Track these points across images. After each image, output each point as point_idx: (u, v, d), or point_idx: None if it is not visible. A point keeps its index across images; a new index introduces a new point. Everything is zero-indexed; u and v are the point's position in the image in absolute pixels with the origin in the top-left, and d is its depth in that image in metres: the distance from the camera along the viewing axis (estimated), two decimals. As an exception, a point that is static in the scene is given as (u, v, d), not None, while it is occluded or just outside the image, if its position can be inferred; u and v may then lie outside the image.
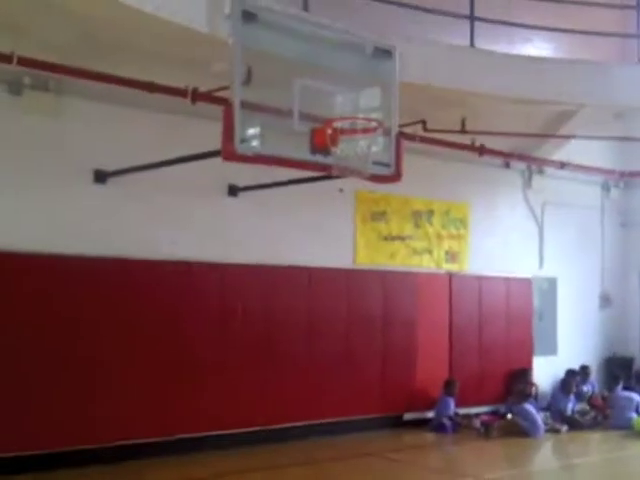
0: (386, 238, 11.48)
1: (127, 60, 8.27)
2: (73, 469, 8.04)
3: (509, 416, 11.17)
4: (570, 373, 12.56)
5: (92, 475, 8.00)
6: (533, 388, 12.19)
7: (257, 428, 9.64)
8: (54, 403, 8.14)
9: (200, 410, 9.11)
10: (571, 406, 11.90)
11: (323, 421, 10.33)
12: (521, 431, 10.81)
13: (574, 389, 12.15)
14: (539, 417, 11.10)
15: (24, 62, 7.72)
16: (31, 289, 8.12)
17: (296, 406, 9.95)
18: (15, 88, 8.18)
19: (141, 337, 8.77)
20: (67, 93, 8.48)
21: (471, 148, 11.61)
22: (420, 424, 11.20)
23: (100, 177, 8.73)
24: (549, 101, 10.55)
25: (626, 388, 12.28)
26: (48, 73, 8.07)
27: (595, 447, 10.94)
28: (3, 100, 8.16)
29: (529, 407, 11.13)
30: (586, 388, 12.75)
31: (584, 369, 12.99)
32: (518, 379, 12.18)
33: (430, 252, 12.02)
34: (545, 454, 10.83)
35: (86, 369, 8.38)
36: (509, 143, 12.16)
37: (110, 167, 8.68)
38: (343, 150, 6.85)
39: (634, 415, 11.44)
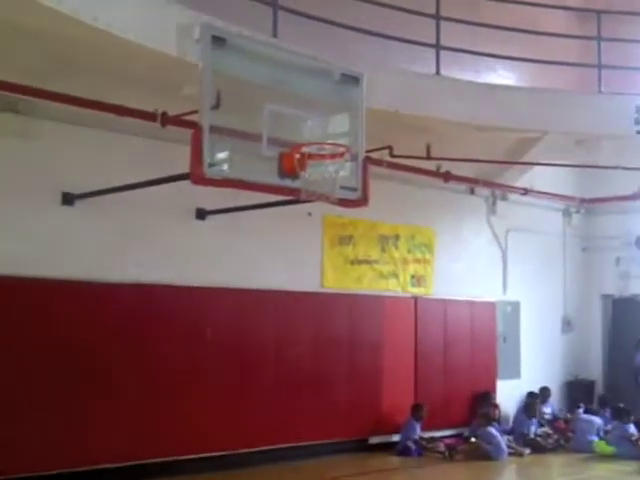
0: (353, 262, 11.57)
1: (96, 82, 8.29)
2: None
3: (473, 439, 11.26)
4: (532, 395, 12.71)
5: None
6: (497, 411, 12.31)
7: (221, 453, 9.59)
8: (35, 425, 8.07)
9: (164, 434, 9.04)
10: (534, 429, 12.02)
11: (289, 445, 10.31)
12: (484, 454, 10.90)
13: (537, 412, 12.28)
14: (503, 440, 11.20)
15: (-7, 84, 7.71)
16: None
17: (262, 430, 9.93)
18: (-16, 110, 8.16)
19: (106, 361, 8.69)
20: (37, 115, 8.46)
21: (437, 174, 11.78)
22: (385, 448, 11.24)
23: (68, 199, 8.70)
24: (513, 128, 10.75)
25: (587, 411, 12.46)
26: (17, 95, 8.05)
27: (558, 470, 11.04)
28: (-29, 121, 8.12)
29: (493, 430, 11.24)
30: (546, 409, 12.88)
31: (543, 390, 13.14)
32: (482, 402, 12.29)
33: (396, 276, 12.13)
34: (508, 477, 10.92)
35: (50, 390, 8.30)
36: (474, 169, 12.35)
37: (78, 189, 8.66)
38: (311, 175, 6.94)
39: (595, 438, 11.59)
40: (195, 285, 9.50)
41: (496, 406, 12.48)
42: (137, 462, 8.85)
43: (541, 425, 12.27)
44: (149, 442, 8.92)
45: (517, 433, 11.92)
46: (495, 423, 11.66)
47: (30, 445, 8.05)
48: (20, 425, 8.05)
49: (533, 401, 12.48)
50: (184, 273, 9.47)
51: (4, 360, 8.03)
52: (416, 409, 11.32)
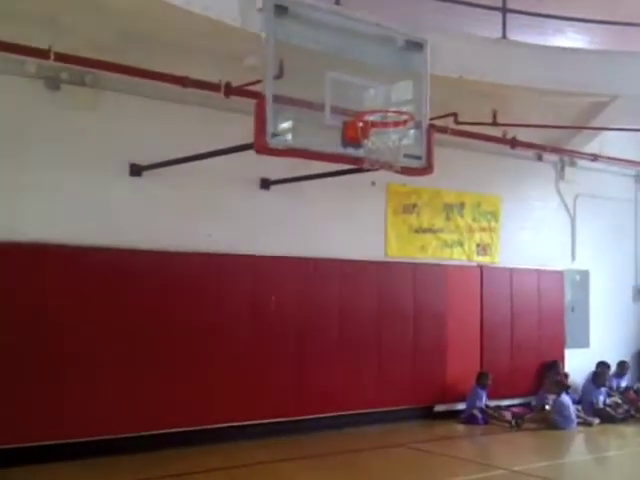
0: (417, 231, 11.51)
1: (161, 55, 8.41)
2: (94, 459, 8.20)
3: (547, 407, 11.10)
4: (601, 365, 12.50)
5: (116, 465, 8.13)
6: (567, 379, 12.16)
7: (289, 419, 9.75)
8: (55, 395, 8.19)
9: (229, 400, 9.23)
10: (602, 399, 11.84)
11: (355, 412, 10.41)
12: (552, 424, 10.80)
13: (606, 382, 12.09)
14: (574, 410, 11.06)
15: (61, 58, 7.88)
16: (66, 281, 8.27)
17: (329, 397, 10.04)
18: (53, 83, 8.34)
19: (176, 328, 8.89)
20: (104, 88, 8.64)
21: (503, 141, 11.58)
22: (451, 416, 11.24)
23: (136, 170, 8.87)
24: (582, 92, 10.50)
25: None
26: (85, 68, 8.22)
27: (627, 440, 10.88)
28: (41, 95, 8.32)
29: (567, 400, 11.06)
30: (622, 383, 12.66)
31: (621, 364, 12.86)
32: (549, 371, 12.16)
33: (461, 245, 12.03)
34: (576, 447, 10.80)
35: (111, 359, 8.53)
36: (541, 135, 12.11)
37: (145, 160, 8.82)
38: (374, 143, 6.90)
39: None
40: (260, 254, 9.59)
41: (565, 375, 12.33)
42: (205, 427, 9.08)
43: (610, 395, 12.07)
44: (221, 406, 9.13)
45: (586, 402, 11.76)
46: (567, 392, 11.47)
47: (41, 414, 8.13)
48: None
49: (602, 370, 12.27)
50: (250, 242, 9.58)
51: (77, 328, 8.29)
52: (481, 377, 11.28)
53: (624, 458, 9.85)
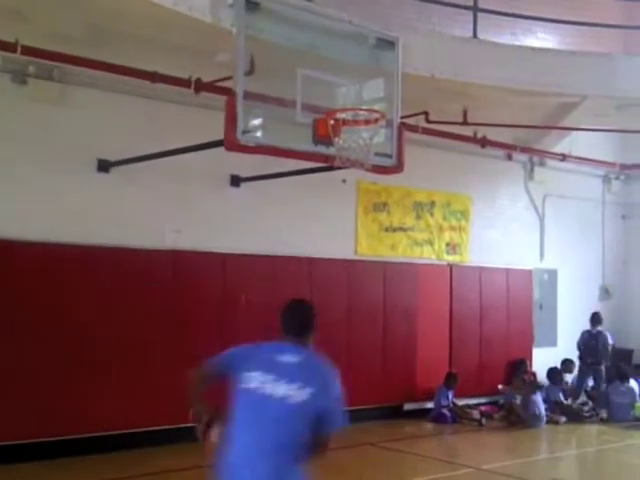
0: (387, 229, 11.51)
1: (131, 50, 8.31)
2: (79, 457, 8.13)
3: (517, 402, 11.17)
4: (564, 363, 12.57)
5: (99, 463, 8.08)
6: (535, 378, 12.24)
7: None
8: (50, 393, 8.13)
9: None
10: (561, 396, 11.91)
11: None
12: (522, 422, 10.87)
13: (561, 380, 12.16)
14: (544, 409, 11.15)
15: (28, 51, 7.77)
16: (31, 277, 8.14)
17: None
18: (20, 77, 8.19)
19: (142, 326, 8.79)
20: (72, 82, 8.50)
21: (473, 140, 11.64)
22: (420, 414, 11.26)
23: (103, 166, 8.76)
24: (551, 93, 10.55)
25: (626, 379, 12.26)
26: (53, 62, 8.09)
27: (593, 438, 10.99)
28: (8, 89, 8.17)
29: (538, 399, 11.14)
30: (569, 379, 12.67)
31: (565, 362, 12.78)
32: (517, 370, 12.23)
33: (431, 243, 12.06)
34: (543, 445, 10.89)
35: (87, 358, 8.42)
36: (511, 135, 12.19)
37: (113, 156, 8.71)
38: (345, 141, 6.88)
39: (633, 406, 11.47)
40: (230, 252, 9.52)
41: (533, 374, 12.42)
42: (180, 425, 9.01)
43: (565, 393, 12.11)
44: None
45: (550, 401, 11.84)
46: (537, 390, 11.56)
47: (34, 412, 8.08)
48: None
49: (554, 369, 12.32)
50: (219, 239, 9.50)
51: (40, 325, 8.17)
52: (448, 377, 11.31)
53: (590, 455, 9.95)
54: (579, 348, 12.28)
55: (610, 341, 12.28)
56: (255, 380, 3.68)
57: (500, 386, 12.04)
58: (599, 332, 12.25)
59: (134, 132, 8.86)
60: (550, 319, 13.51)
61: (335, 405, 3.78)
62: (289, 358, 3.81)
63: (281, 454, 3.50)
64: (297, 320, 4.13)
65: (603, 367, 12.17)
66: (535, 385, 11.41)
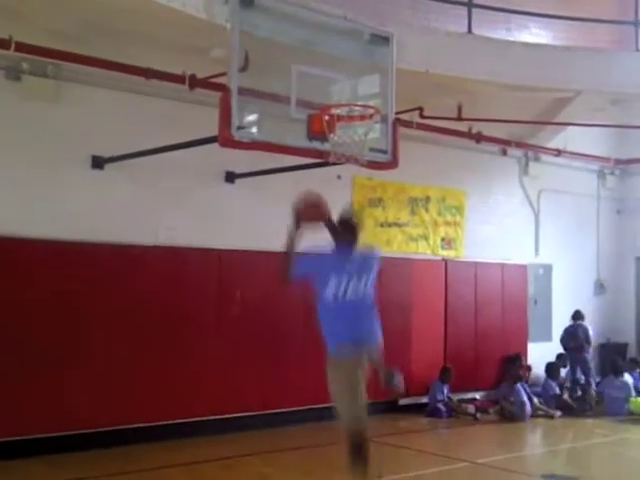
0: (382, 224, 11.52)
1: (126, 46, 8.30)
2: (72, 453, 8.12)
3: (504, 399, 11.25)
4: (558, 358, 12.61)
5: (92, 459, 8.07)
6: (527, 373, 12.28)
7: (256, 413, 9.71)
8: (48, 387, 8.16)
9: (196, 395, 9.17)
10: (558, 391, 11.95)
11: (320, 406, 10.38)
12: (509, 414, 10.93)
13: (558, 374, 12.21)
14: (527, 401, 11.18)
15: (22, 48, 7.75)
16: (26, 275, 8.13)
17: (294, 391, 10.01)
18: (13, 74, 8.17)
19: (138, 323, 8.79)
20: (66, 79, 8.48)
21: (468, 135, 11.66)
22: (415, 409, 11.28)
23: (98, 163, 8.75)
24: (546, 88, 10.57)
25: (620, 373, 12.30)
26: (47, 59, 8.08)
27: (588, 432, 11.01)
28: (1, 86, 8.15)
29: (519, 389, 11.21)
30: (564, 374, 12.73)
31: (559, 356, 12.88)
32: (512, 364, 12.25)
33: (426, 239, 12.08)
34: (538, 439, 10.94)
35: (83, 354, 8.42)
36: (506, 130, 12.20)
37: (108, 153, 8.70)
38: (340, 137, 6.89)
39: (628, 400, 11.51)
40: (225, 248, 9.52)
41: (528, 368, 12.46)
42: (171, 422, 9.01)
43: (561, 388, 12.15)
44: (181, 402, 9.06)
45: (546, 395, 11.88)
46: (523, 383, 11.60)
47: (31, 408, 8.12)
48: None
49: (555, 363, 12.38)
50: (214, 236, 9.50)
51: (35, 321, 8.17)
52: (443, 372, 11.34)
53: (585, 449, 9.98)
54: (562, 341, 12.45)
55: (591, 332, 12.52)
56: (332, 282, 5.23)
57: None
58: (579, 324, 12.50)
59: (129, 129, 8.85)
60: (545, 314, 13.54)
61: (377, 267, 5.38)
62: (351, 259, 5.23)
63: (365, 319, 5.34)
64: (351, 230, 5.38)
65: (587, 356, 12.37)
66: (516, 377, 11.43)
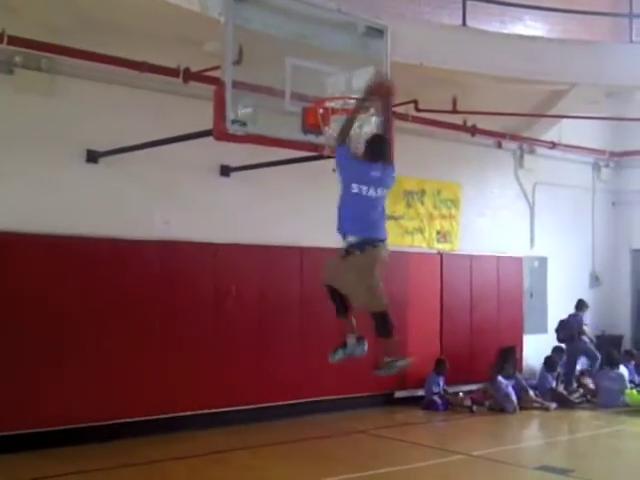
0: (378, 218, 11.49)
1: (119, 39, 8.27)
2: (60, 448, 8.12)
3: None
4: (555, 351, 12.64)
5: (85, 453, 8.08)
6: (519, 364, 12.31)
7: (249, 406, 9.71)
8: (40, 382, 8.16)
9: (192, 389, 9.17)
10: (554, 383, 11.98)
11: (315, 399, 10.41)
12: (498, 405, 11.02)
13: (556, 367, 12.23)
14: (512, 391, 11.22)
15: (15, 41, 7.73)
16: (19, 268, 8.12)
17: (288, 385, 10.02)
18: (6, 67, 8.14)
19: (133, 317, 8.79)
20: (59, 72, 8.45)
21: (463, 128, 11.66)
22: (411, 402, 11.31)
23: (92, 157, 8.73)
24: (541, 80, 10.58)
25: (615, 365, 12.32)
26: (40, 52, 8.05)
27: (583, 424, 11.06)
28: (-6, 79, 8.14)
29: (502, 380, 11.24)
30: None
31: (555, 349, 12.91)
32: (501, 356, 12.23)
33: (421, 232, 12.08)
34: (534, 431, 10.97)
35: (76, 349, 8.41)
36: (501, 123, 12.20)
37: (102, 147, 8.68)
38: (335, 130, 6.86)
39: (623, 392, 11.55)
40: (220, 242, 9.52)
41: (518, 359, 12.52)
42: (169, 415, 9.02)
43: (557, 380, 12.17)
44: (180, 396, 9.08)
45: (542, 387, 11.91)
46: (518, 374, 11.63)
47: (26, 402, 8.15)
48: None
49: (553, 356, 12.40)
50: (209, 230, 9.49)
51: (31, 316, 8.15)
52: (438, 364, 11.37)
53: (581, 441, 10.02)
54: (556, 331, 12.54)
55: (585, 322, 12.63)
56: (359, 179, 5.82)
57: None
58: (575, 314, 12.60)
59: (123, 122, 8.83)
60: (540, 306, 13.57)
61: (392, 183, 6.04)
62: (376, 173, 5.80)
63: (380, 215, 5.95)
64: (382, 148, 5.92)
65: (585, 344, 12.46)
66: (500, 368, 11.44)
